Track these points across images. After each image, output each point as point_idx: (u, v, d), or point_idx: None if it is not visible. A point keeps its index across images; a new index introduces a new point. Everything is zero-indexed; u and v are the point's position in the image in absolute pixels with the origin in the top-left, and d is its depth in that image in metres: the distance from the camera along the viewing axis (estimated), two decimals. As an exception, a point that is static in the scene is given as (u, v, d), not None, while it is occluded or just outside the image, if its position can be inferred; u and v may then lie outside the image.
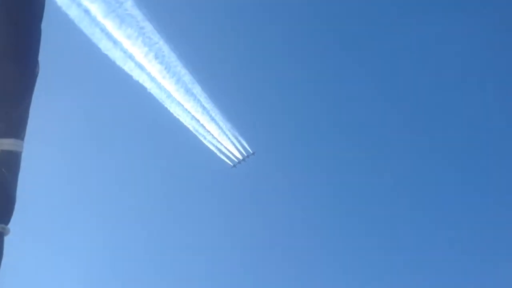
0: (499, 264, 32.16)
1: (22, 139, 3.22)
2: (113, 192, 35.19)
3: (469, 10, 32.11)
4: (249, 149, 30.92)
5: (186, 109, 26.61)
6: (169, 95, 25.54)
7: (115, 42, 22.67)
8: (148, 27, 23.00)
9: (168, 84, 25.19)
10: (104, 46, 22.56)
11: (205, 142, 28.84)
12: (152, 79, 24.40)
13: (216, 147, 29.56)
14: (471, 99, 33.60)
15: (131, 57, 23.48)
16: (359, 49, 34.16)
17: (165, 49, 24.00)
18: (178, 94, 25.87)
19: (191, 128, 27.50)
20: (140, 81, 24.39)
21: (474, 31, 31.70)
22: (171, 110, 26.11)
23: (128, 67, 23.61)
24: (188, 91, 26.14)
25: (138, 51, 23.31)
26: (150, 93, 24.80)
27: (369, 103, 34.73)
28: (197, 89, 26.38)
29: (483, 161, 34.43)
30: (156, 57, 23.90)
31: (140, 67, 23.90)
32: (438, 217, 34.62)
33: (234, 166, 31.19)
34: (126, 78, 24.00)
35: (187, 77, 25.43)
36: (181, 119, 26.86)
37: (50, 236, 33.40)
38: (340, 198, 36.24)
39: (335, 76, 34.74)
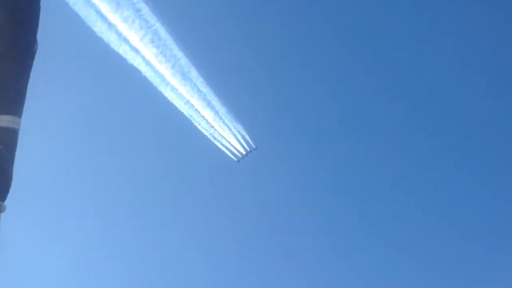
0: (501, 264, 32.41)
1: (20, 116, 3.26)
2: (107, 185, 34.62)
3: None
4: (250, 142, 30.95)
5: (181, 94, 26.52)
6: (164, 79, 25.41)
7: (110, 24, 22.44)
8: (145, 9, 22.80)
9: (164, 69, 25.05)
10: (99, 28, 22.35)
11: (200, 128, 28.81)
12: (147, 62, 24.25)
13: (216, 138, 29.56)
14: (472, 95, 33.48)
15: (125, 40, 23.28)
16: (360, 45, 33.88)
17: (162, 31, 23.83)
18: (175, 79, 25.75)
19: (185, 113, 27.46)
20: (135, 65, 24.24)
21: (475, 24, 31.54)
22: (166, 94, 26.02)
23: (123, 50, 23.43)
24: (185, 77, 26.02)
25: (133, 34, 23.11)
26: (145, 77, 24.67)
27: (371, 100, 34.60)
28: (194, 74, 26.27)
29: (487, 158, 34.40)
30: (152, 40, 23.73)
31: (135, 50, 23.72)
32: (441, 216, 34.64)
33: (239, 161, 31.20)
34: (120, 61, 23.83)
35: (183, 60, 25.31)
36: (176, 104, 26.79)
37: (46, 227, 33.02)
38: (343, 195, 36.18)
39: (338, 70, 34.41)
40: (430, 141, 34.31)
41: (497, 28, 31.98)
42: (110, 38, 22.74)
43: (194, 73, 26.32)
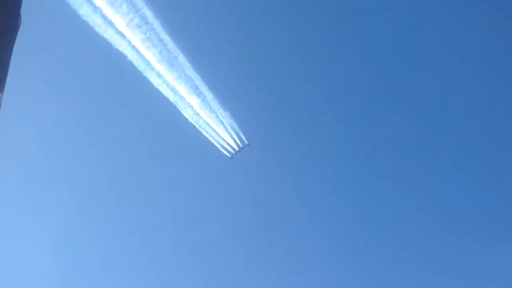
0: (501, 263, 32.85)
1: (2, 91, 3.18)
2: (89, 178, 34.12)
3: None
4: (243, 139, 31.14)
5: (168, 81, 26.28)
6: (150, 65, 25.13)
7: (95, 7, 22.05)
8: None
9: (151, 55, 24.76)
10: (84, 12, 21.94)
11: (195, 124, 28.68)
12: (133, 47, 23.92)
13: (210, 134, 29.53)
14: (472, 94, 33.61)
15: (111, 23, 22.91)
16: (358, 43, 33.82)
17: (149, 15, 23.50)
18: (162, 66, 25.46)
19: (170, 98, 27.25)
20: (121, 50, 23.89)
21: (474, 23, 31.62)
22: (152, 80, 25.76)
23: (108, 34, 23.05)
24: (173, 64, 25.76)
25: (120, 18, 22.76)
26: (130, 61, 24.34)
27: (368, 96, 34.70)
28: (182, 59, 26.02)
29: (487, 157, 34.64)
30: (139, 25, 23.40)
31: (121, 34, 23.36)
32: (440, 216, 34.93)
33: (232, 157, 31.43)
34: (106, 45, 23.44)
35: (171, 45, 25.03)
36: (162, 90, 26.55)
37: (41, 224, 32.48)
38: (337, 192, 36.35)
39: (334, 67, 34.33)
40: (430, 140, 34.54)
41: (497, 27, 32.19)
42: (95, 21, 22.35)
43: (182, 58, 26.08)
